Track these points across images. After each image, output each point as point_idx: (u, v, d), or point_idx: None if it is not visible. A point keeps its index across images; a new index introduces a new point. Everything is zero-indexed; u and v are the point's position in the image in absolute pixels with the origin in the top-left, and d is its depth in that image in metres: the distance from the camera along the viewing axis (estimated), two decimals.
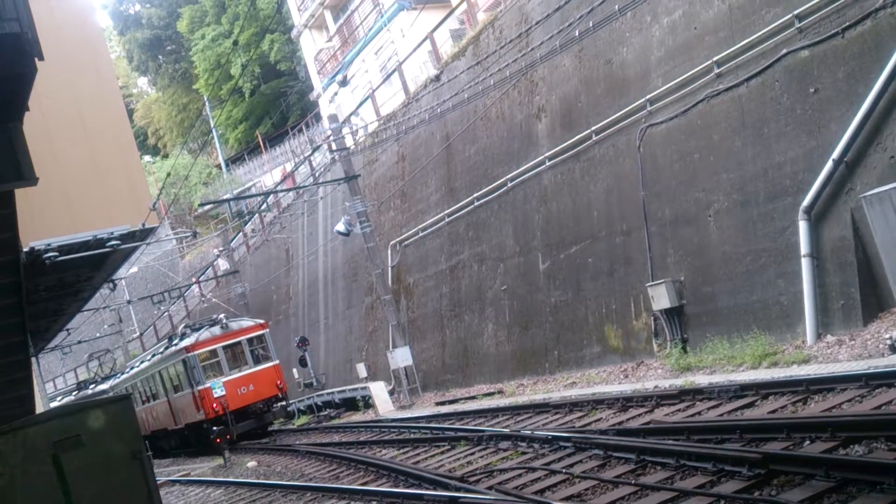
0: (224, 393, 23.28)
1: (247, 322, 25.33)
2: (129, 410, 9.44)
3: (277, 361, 25.23)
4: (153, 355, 29.63)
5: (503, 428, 12.84)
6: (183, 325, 29.96)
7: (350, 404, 25.44)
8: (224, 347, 23.94)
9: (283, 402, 24.81)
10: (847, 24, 11.97)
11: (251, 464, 19.27)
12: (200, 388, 23.45)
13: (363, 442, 17.07)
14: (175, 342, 26.24)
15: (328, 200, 30.04)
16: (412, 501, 9.86)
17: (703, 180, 14.29)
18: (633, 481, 8.06)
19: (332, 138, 25.38)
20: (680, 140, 14.87)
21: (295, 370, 31.64)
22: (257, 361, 24.38)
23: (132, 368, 32.91)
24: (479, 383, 20.71)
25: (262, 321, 25.79)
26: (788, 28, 12.82)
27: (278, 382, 24.59)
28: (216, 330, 24.30)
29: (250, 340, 24.46)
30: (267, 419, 24.77)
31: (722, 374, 12.44)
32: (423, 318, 24.16)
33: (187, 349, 23.84)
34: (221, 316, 25.47)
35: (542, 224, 18.72)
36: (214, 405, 23.09)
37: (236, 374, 23.83)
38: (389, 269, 25.71)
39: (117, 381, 34.04)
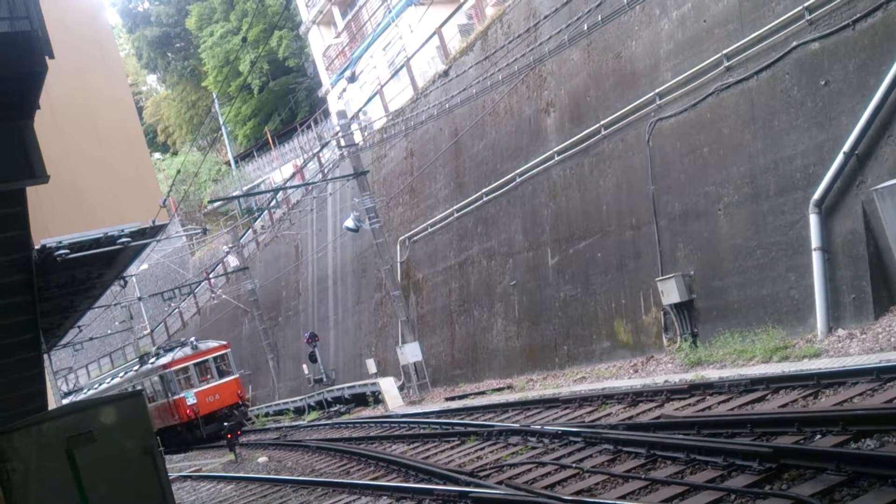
0: (195, 401, 28.70)
1: (212, 343, 31.04)
2: (141, 407, 9.52)
3: (237, 375, 30.82)
4: (125, 372, 36.40)
5: (513, 423, 12.86)
6: (156, 347, 35.83)
7: (360, 400, 25.52)
8: (195, 364, 29.57)
9: (243, 409, 30.53)
10: (857, 15, 11.88)
11: (262, 459, 19.37)
12: (176, 397, 28.91)
13: (373, 437, 17.11)
14: (151, 361, 31.67)
15: (337, 196, 30.08)
16: (422, 496, 9.89)
17: (713, 174, 14.24)
18: (643, 476, 8.05)
19: (340, 134, 25.42)
20: (689, 134, 14.82)
21: (305, 366, 31.78)
22: (222, 375, 29.99)
23: (100, 385, 38.86)
24: (489, 378, 20.72)
25: (225, 342, 31.40)
26: (798, 20, 12.74)
27: (239, 392, 30.18)
28: (188, 350, 29.88)
29: (216, 358, 30.16)
30: (230, 422, 29.35)
31: (732, 368, 12.40)
32: (433, 313, 24.18)
33: (164, 366, 29.36)
34: (192, 339, 31.26)
35: (552, 219, 18.70)
36: (188, 411, 28.54)
37: (205, 386, 29.31)
38: (398, 264, 25.73)
39: (83, 396, 36.27)
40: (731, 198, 13.85)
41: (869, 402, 8.27)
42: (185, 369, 29.34)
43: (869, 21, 11.75)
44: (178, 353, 29.79)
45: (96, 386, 39.89)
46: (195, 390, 28.93)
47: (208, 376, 29.64)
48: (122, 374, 36.67)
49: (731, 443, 7.88)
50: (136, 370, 33.23)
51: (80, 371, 53.95)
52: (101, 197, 11.31)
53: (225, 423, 23.64)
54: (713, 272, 14.24)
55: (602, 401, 12.53)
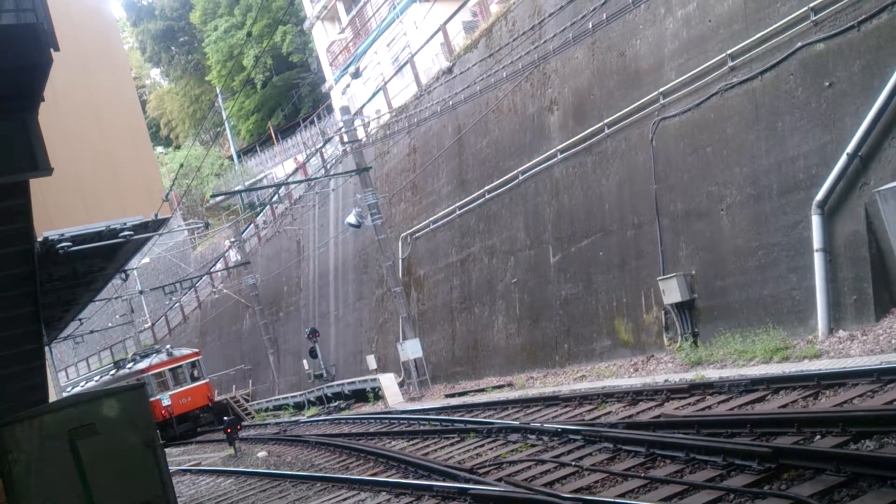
0: (170, 403, 31.31)
1: (185, 350, 34.09)
2: (143, 399, 9.54)
3: (208, 380, 33.54)
4: (101, 376, 38.98)
5: (513, 420, 12.86)
6: (132, 354, 38.23)
7: (360, 396, 25.54)
8: (170, 370, 32.22)
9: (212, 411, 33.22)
10: (863, 17, 11.87)
11: (261, 454, 19.39)
12: (152, 399, 29.81)
13: (373, 433, 17.13)
14: (129, 365, 34.53)
15: (339, 192, 30.08)
16: (422, 492, 9.90)
17: (716, 174, 14.23)
18: (642, 474, 8.06)
19: (343, 130, 25.42)
20: (693, 133, 14.81)
21: (305, 361, 31.81)
22: (193, 380, 32.68)
23: (73, 388, 41.59)
24: (489, 376, 20.73)
25: (196, 350, 34.58)
26: (803, 21, 12.73)
27: (209, 395, 32.96)
28: (163, 356, 32.65)
29: (188, 365, 32.82)
30: (200, 422, 32.57)
31: (733, 368, 12.41)
32: (434, 310, 24.20)
33: (142, 371, 31.91)
34: (168, 346, 34.34)
35: (554, 217, 18.69)
36: (163, 412, 30.78)
37: (178, 389, 31.94)
38: (400, 261, 25.74)
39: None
40: (733, 198, 13.84)
41: (869, 404, 8.28)
42: (161, 374, 31.94)
43: (874, 22, 11.74)
44: (155, 359, 32.51)
45: (69, 389, 40.86)
46: (170, 393, 31.54)
47: (182, 380, 32.30)
48: (97, 378, 39.19)
49: (730, 442, 7.89)
50: (112, 374, 35.58)
51: (59, 373, 54.30)
52: (104, 190, 11.33)
53: (224, 418, 23.75)
54: (715, 272, 14.24)
55: (602, 399, 12.53)
